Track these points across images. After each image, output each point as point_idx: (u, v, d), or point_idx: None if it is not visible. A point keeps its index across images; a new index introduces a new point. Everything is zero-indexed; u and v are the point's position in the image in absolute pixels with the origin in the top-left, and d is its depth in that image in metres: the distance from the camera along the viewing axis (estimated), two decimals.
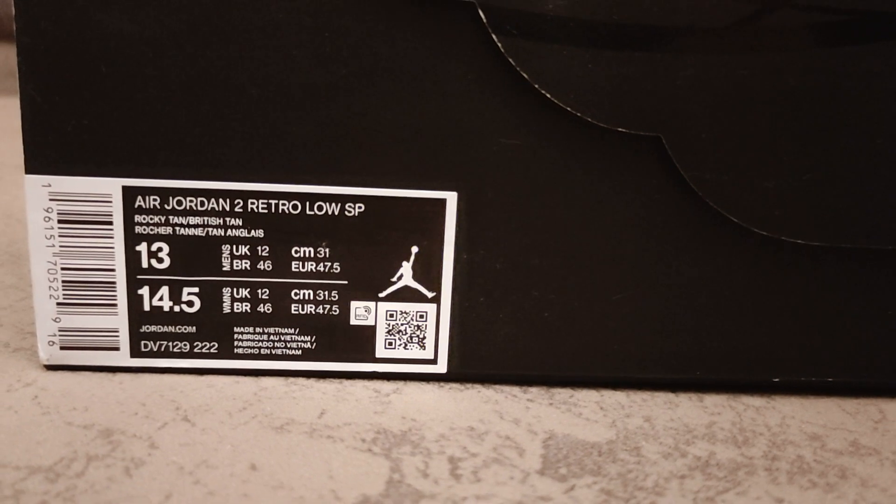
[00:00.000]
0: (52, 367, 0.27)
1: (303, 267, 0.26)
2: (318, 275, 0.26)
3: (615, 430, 0.26)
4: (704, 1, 0.24)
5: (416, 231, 0.26)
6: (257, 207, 0.26)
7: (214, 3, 0.24)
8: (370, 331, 0.27)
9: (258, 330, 0.27)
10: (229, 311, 0.26)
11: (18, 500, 0.20)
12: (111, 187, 0.25)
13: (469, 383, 0.28)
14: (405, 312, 0.27)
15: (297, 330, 0.27)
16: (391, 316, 0.27)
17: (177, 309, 0.26)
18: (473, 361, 0.28)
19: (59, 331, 0.26)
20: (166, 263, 0.26)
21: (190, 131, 0.25)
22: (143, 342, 0.27)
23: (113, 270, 0.26)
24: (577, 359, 0.28)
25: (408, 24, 0.24)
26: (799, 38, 0.25)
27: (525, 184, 0.26)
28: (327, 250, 0.26)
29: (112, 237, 0.25)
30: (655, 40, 0.24)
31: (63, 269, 0.26)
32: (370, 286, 0.27)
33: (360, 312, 0.27)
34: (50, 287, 0.26)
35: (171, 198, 0.25)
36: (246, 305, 0.26)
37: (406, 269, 0.26)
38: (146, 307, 0.26)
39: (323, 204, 0.26)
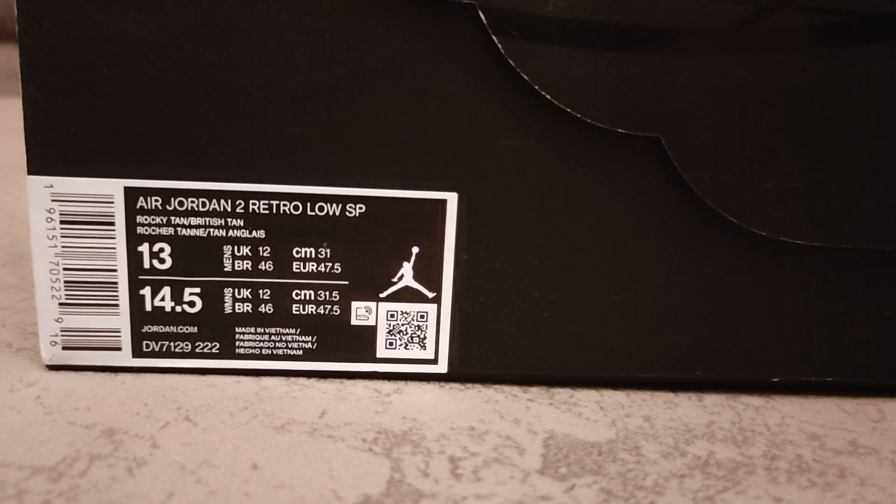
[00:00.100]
0: (54, 368, 0.27)
1: (304, 267, 0.26)
2: (319, 275, 0.26)
3: (615, 429, 0.26)
4: (703, 2, 0.24)
5: (417, 231, 0.26)
6: (258, 208, 0.26)
7: (215, 5, 0.24)
8: (371, 331, 0.27)
9: (259, 330, 0.27)
10: (231, 311, 0.27)
11: (22, 500, 0.20)
12: (113, 188, 0.25)
13: (469, 383, 0.28)
14: (406, 313, 0.27)
15: (298, 330, 0.27)
16: (392, 316, 0.27)
17: (178, 309, 0.26)
18: (474, 361, 0.28)
19: (62, 331, 0.26)
20: (168, 264, 0.26)
21: (191, 132, 0.25)
22: (144, 342, 0.27)
23: (115, 271, 0.26)
24: (577, 359, 0.28)
25: (408, 25, 0.24)
26: (798, 39, 0.25)
27: (525, 184, 0.26)
28: (328, 251, 0.26)
29: (114, 238, 0.26)
30: (655, 41, 0.24)
31: (65, 269, 0.26)
32: (371, 286, 0.27)
33: (361, 313, 0.27)
34: (52, 287, 0.26)
35: (172, 198, 0.25)
36: (247, 306, 0.27)
37: (407, 269, 0.27)
38: (148, 307, 0.26)
39: (324, 204, 0.26)
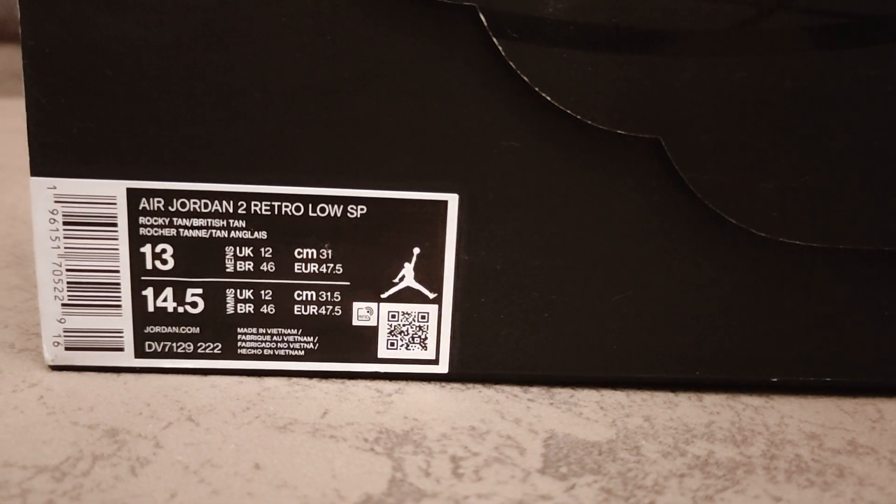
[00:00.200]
0: (57, 368, 0.27)
1: (305, 268, 0.26)
2: (320, 276, 0.27)
3: (615, 429, 0.26)
4: (703, 4, 0.24)
5: (418, 232, 0.26)
6: (260, 209, 0.26)
7: (217, 7, 0.24)
8: (372, 331, 0.27)
9: (261, 331, 0.27)
10: (233, 311, 0.27)
11: (25, 499, 0.20)
12: (116, 189, 0.25)
13: (470, 383, 0.28)
14: (407, 313, 0.27)
15: (300, 330, 0.27)
16: (393, 317, 0.27)
17: (181, 310, 0.27)
18: (474, 362, 0.28)
19: (64, 332, 0.26)
20: (170, 265, 0.26)
21: (193, 133, 0.25)
22: (147, 343, 0.27)
23: (117, 272, 0.26)
24: (577, 359, 0.28)
25: (409, 27, 0.25)
26: (797, 40, 0.25)
27: (525, 185, 0.26)
28: (330, 252, 0.26)
29: (116, 239, 0.26)
30: (654, 43, 0.25)
31: (68, 270, 0.26)
32: (372, 287, 0.27)
33: (363, 313, 0.27)
34: (55, 288, 0.26)
35: (174, 200, 0.26)
36: (249, 306, 0.27)
37: (408, 270, 0.27)
38: (150, 308, 0.26)
39: (325, 206, 0.26)
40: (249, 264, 0.26)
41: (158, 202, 0.25)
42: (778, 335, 0.28)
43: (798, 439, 0.26)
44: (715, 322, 0.28)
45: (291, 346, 0.27)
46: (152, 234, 0.26)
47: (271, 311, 0.27)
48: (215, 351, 0.27)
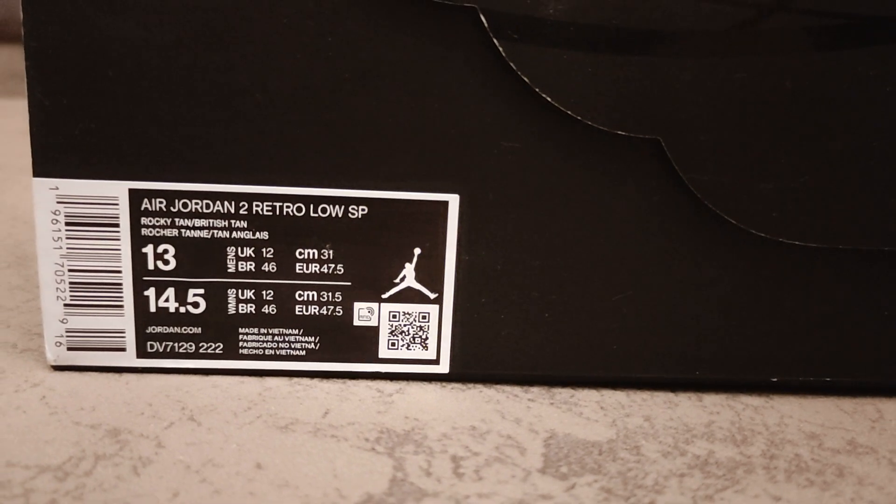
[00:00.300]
0: (59, 368, 0.27)
1: (307, 268, 0.27)
2: (321, 276, 0.27)
3: (615, 429, 0.26)
4: (702, 5, 0.24)
5: (419, 233, 0.26)
6: (262, 210, 0.26)
7: (219, 9, 0.24)
8: (373, 331, 0.27)
9: (263, 331, 0.27)
10: (234, 312, 0.27)
11: (28, 499, 0.21)
12: (118, 190, 0.25)
13: (471, 383, 0.28)
14: (408, 313, 0.27)
15: (301, 331, 0.27)
16: (394, 317, 0.27)
17: (182, 310, 0.27)
18: (475, 362, 0.28)
19: (67, 332, 0.26)
20: (172, 265, 0.26)
21: (195, 134, 0.25)
22: (149, 343, 0.27)
23: (119, 272, 0.26)
24: (577, 359, 0.28)
25: (410, 28, 0.25)
26: (796, 41, 0.25)
27: (526, 186, 0.26)
28: (331, 252, 0.26)
29: (119, 239, 0.26)
30: (654, 44, 0.25)
31: (70, 270, 0.26)
32: (373, 287, 0.27)
33: (364, 313, 0.27)
34: (57, 289, 0.26)
35: (176, 200, 0.26)
36: (251, 306, 0.27)
37: (409, 270, 0.27)
38: (152, 308, 0.26)
39: (327, 206, 0.26)
40: (251, 265, 0.26)
41: (160, 203, 0.26)
42: (778, 335, 0.28)
43: (798, 439, 0.26)
44: (715, 322, 0.28)
45: (293, 346, 0.27)
46: (154, 235, 0.26)
47: (273, 311, 0.27)
48: (217, 351, 0.27)
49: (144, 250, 0.26)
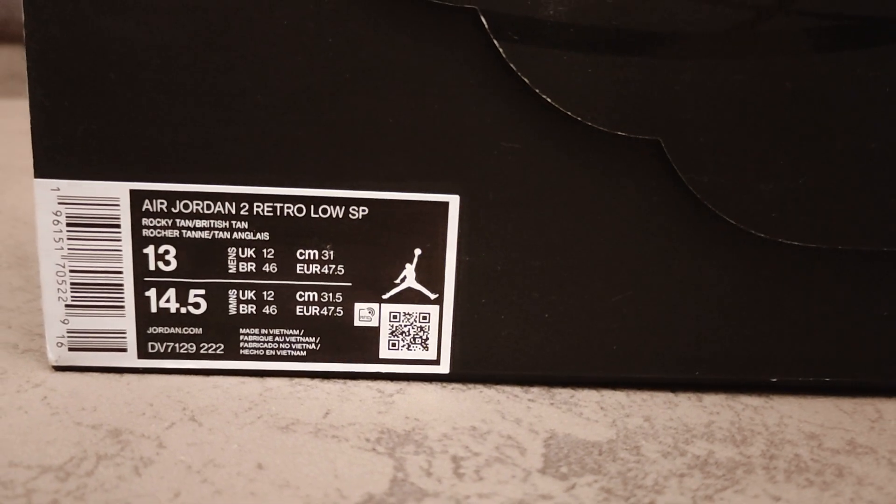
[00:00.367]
0: (60, 368, 0.27)
1: (307, 269, 0.27)
2: (322, 277, 0.27)
3: (615, 429, 0.26)
4: (702, 6, 0.24)
5: (419, 233, 0.26)
6: (263, 210, 0.26)
7: (219, 10, 0.24)
8: (374, 332, 0.27)
9: (263, 331, 0.27)
10: (235, 312, 0.27)
11: (30, 499, 0.21)
12: (119, 191, 0.25)
13: (471, 383, 0.28)
14: (408, 314, 0.27)
15: (302, 331, 0.27)
16: (394, 317, 0.27)
17: (183, 311, 0.27)
18: (475, 362, 0.28)
19: (68, 332, 0.26)
20: (173, 266, 0.26)
21: (196, 135, 0.25)
22: (150, 343, 0.27)
23: (120, 273, 0.26)
24: (577, 359, 0.28)
25: (410, 29, 0.25)
26: (796, 42, 0.25)
27: (526, 187, 0.26)
28: (331, 253, 0.26)
29: (120, 240, 0.26)
30: (654, 45, 0.25)
31: (71, 271, 0.26)
32: (374, 288, 0.27)
33: (364, 314, 0.27)
34: (58, 289, 0.26)
35: (177, 201, 0.26)
36: (251, 307, 0.27)
37: (409, 271, 0.27)
38: (153, 309, 0.27)
39: (327, 207, 0.26)
40: (252, 265, 0.26)
41: (161, 203, 0.26)
42: (778, 335, 0.28)
43: (797, 439, 0.26)
44: (715, 322, 0.28)
45: (293, 347, 0.27)
46: (155, 236, 0.26)
47: (273, 311, 0.27)
48: (218, 351, 0.27)
49: (145, 251, 0.26)
